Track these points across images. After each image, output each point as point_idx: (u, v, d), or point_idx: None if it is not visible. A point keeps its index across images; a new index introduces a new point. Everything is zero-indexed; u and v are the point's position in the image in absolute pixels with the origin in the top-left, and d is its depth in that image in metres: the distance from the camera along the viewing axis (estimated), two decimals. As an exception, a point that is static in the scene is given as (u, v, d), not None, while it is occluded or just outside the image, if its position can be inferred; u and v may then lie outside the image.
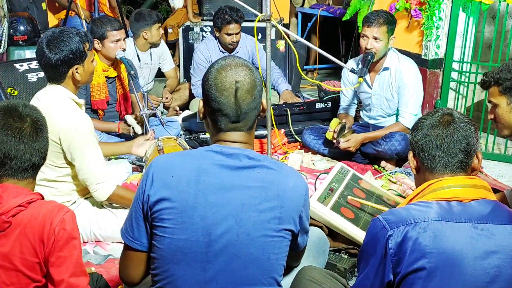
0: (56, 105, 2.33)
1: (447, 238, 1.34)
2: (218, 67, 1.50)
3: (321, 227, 2.35)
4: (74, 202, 2.53)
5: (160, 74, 4.65)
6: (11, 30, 4.18)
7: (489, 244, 1.35)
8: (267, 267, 1.44)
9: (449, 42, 3.79)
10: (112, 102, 3.65)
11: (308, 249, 1.79)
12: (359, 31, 3.54)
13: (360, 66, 3.41)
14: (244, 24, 4.29)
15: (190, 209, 1.41)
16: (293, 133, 3.90)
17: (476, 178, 1.48)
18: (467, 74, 3.85)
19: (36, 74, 3.68)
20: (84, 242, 2.54)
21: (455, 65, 3.85)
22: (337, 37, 6.21)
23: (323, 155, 3.63)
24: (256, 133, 3.73)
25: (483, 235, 1.36)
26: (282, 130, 3.90)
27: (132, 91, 3.61)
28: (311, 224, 1.80)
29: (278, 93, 4.52)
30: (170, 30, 5.38)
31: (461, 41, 3.81)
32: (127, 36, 4.08)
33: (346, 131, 3.40)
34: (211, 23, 5.04)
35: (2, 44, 4.07)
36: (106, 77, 3.53)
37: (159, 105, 4.38)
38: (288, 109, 3.99)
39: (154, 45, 4.31)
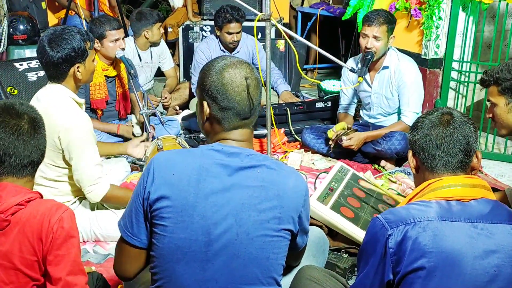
0: (57, 104, 2.33)
1: (447, 237, 1.34)
2: (220, 67, 1.50)
3: (320, 227, 2.35)
4: (75, 202, 2.54)
5: (159, 74, 4.65)
6: (11, 29, 4.18)
7: (488, 244, 1.35)
8: (266, 266, 1.44)
9: (449, 42, 3.79)
10: (112, 102, 3.65)
11: (308, 249, 1.79)
12: (359, 30, 3.55)
13: (359, 65, 3.41)
14: (244, 23, 4.29)
15: (190, 208, 1.40)
16: (293, 133, 3.90)
17: (475, 178, 1.48)
18: (467, 74, 3.85)
19: (36, 73, 3.68)
20: (84, 241, 2.54)
21: (455, 65, 3.85)
22: (337, 37, 6.21)
23: (323, 154, 3.63)
24: (256, 132, 3.76)
25: (483, 235, 1.36)
26: (282, 130, 3.90)
27: (132, 91, 3.61)
28: (310, 224, 1.79)
29: (278, 94, 4.52)
30: (170, 30, 5.38)
31: (461, 41, 3.81)
32: (127, 35, 4.08)
33: (349, 130, 3.40)
34: (210, 23, 5.05)
35: (2, 43, 4.07)
36: (105, 76, 3.53)
37: (158, 105, 4.38)
38: (288, 109, 3.99)
39: (154, 44, 4.32)
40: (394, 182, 3.19)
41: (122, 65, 3.57)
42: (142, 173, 1.50)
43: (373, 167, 3.47)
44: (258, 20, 2.99)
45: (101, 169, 2.47)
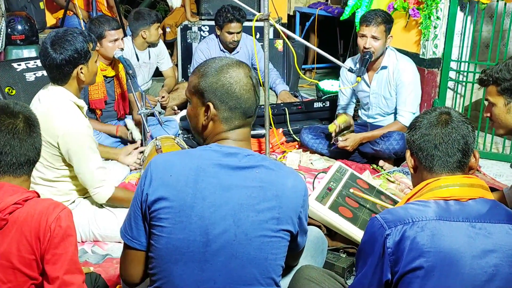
0: (58, 108, 2.32)
1: (445, 237, 1.34)
2: (223, 67, 1.50)
3: (319, 226, 2.35)
4: (73, 202, 2.54)
5: (158, 74, 4.64)
6: (9, 30, 4.17)
7: (486, 243, 1.35)
8: (265, 267, 1.44)
9: (447, 42, 3.80)
10: (110, 102, 3.64)
11: (306, 249, 1.79)
12: (357, 30, 3.55)
13: (358, 65, 3.42)
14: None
15: (188, 209, 1.40)
16: (291, 133, 3.91)
17: (473, 177, 1.47)
18: (465, 73, 3.86)
19: (34, 74, 3.68)
20: (82, 241, 2.54)
21: (453, 65, 3.85)
22: (335, 37, 6.22)
23: (322, 154, 3.63)
24: (255, 132, 3.76)
25: (481, 234, 1.36)
26: (280, 130, 3.90)
27: (130, 91, 3.61)
28: (309, 224, 1.79)
29: (276, 94, 4.52)
30: (168, 30, 5.38)
31: (459, 40, 3.82)
32: (125, 35, 4.07)
33: (345, 131, 3.41)
34: (209, 23, 5.05)
35: (0, 44, 4.06)
36: (104, 76, 3.52)
37: (156, 105, 4.38)
38: (286, 109, 3.99)
39: (152, 44, 4.31)
40: (393, 182, 3.19)
41: (120, 65, 3.57)
42: (141, 176, 1.50)
43: (371, 167, 3.47)
44: (257, 20, 2.99)
45: (104, 171, 2.48)
